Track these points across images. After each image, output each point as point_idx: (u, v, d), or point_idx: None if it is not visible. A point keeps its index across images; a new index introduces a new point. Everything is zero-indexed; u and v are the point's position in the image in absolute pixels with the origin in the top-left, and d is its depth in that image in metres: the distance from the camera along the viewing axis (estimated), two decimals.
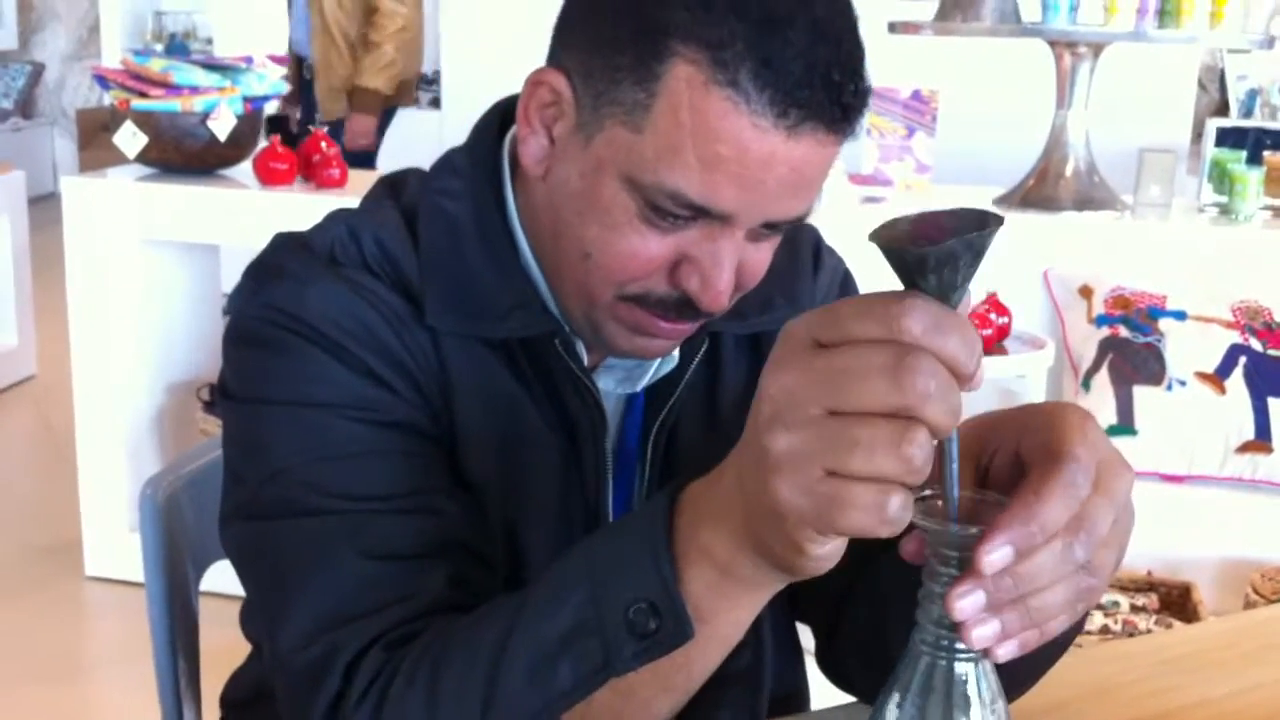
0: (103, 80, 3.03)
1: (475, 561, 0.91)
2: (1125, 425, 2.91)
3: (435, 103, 6.45)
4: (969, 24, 3.24)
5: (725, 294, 0.91)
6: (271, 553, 0.90)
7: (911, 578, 0.68)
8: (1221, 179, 3.27)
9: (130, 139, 2.94)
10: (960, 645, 0.66)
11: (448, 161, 1.03)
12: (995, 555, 0.63)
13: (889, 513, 0.61)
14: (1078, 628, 0.77)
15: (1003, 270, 2.69)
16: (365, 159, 4.53)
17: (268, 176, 3.02)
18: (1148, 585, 2.82)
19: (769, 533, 0.67)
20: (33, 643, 2.97)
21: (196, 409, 3.30)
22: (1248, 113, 5.89)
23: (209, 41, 6.93)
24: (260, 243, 1.02)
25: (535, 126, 0.93)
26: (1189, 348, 2.95)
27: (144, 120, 2.94)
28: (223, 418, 0.98)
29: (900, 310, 0.59)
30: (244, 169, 3.12)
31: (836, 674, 1.08)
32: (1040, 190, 3.20)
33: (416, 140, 5.38)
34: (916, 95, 3.25)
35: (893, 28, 3.37)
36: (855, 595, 1.01)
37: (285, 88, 3.25)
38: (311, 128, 3.28)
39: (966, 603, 0.63)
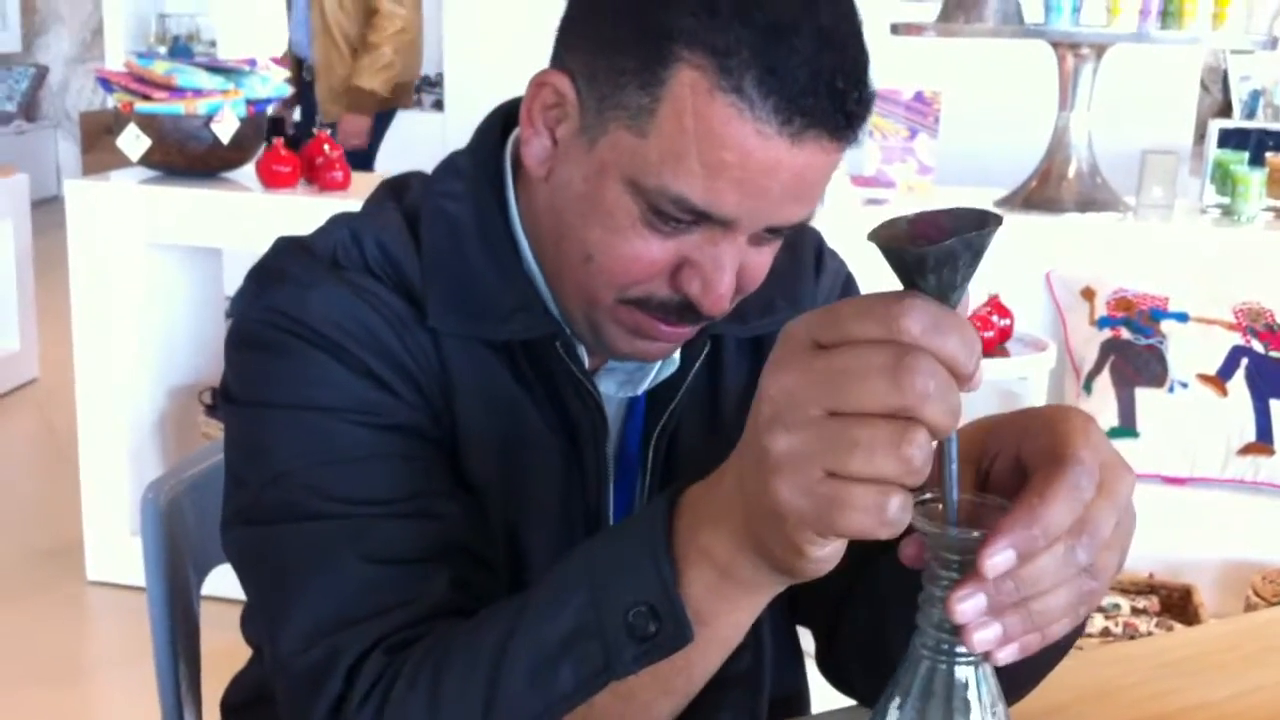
0: (106, 83, 3.04)
1: (476, 564, 0.91)
2: (1127, 427, 2.91)
3: (438, 105, 6.46)
4: (971, 25, 3.24)
5: (726, 298, 0.91)
6: (273, 556, 0.91)
7: (911, 580, 0.68)
8: (1224, 180, 3.27)
9: (134, 142, 2.94)
10: (960, 649, 0.66)
11: (450, 164, 1.03)
12: (997, 558, 0.63)
13: (889, 514, 0.61)
14: (1078, 630, 0.77)
15: (1005, 272, 2.70)
16: (358, 159, 4.53)
17: (271, 179, 3.02)
18: (1149, 587, 2.82)
19: (769, 534, 0.67)
20: (34, 646, 2.98)
21: (198, 412, 3.30)
22: (1250, 114, 5.88)
23: (212, 44, 6.93)
24: (263, 246, 1.02)
25: (539, 128, 0.93)
26: (1191, 349, 2.94)
27: (147, 123, 2.94)
28: (225, 421, 0.98)
29: (899, 310, 0.59)
30: (247, 172, 3.12)
31: (837, 677, 1.08)
32: (1042, 192, 3.20)
33: (419, 142, 5.39)
34: (919, 97, 3.25)
35: (895, 29, 3.37)
36: (855, 598, 1.01)
37: (289, 90, 3.25)
38: (315, 130, 3.28)
39: (968, 606, 0.63)
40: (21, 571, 3.32)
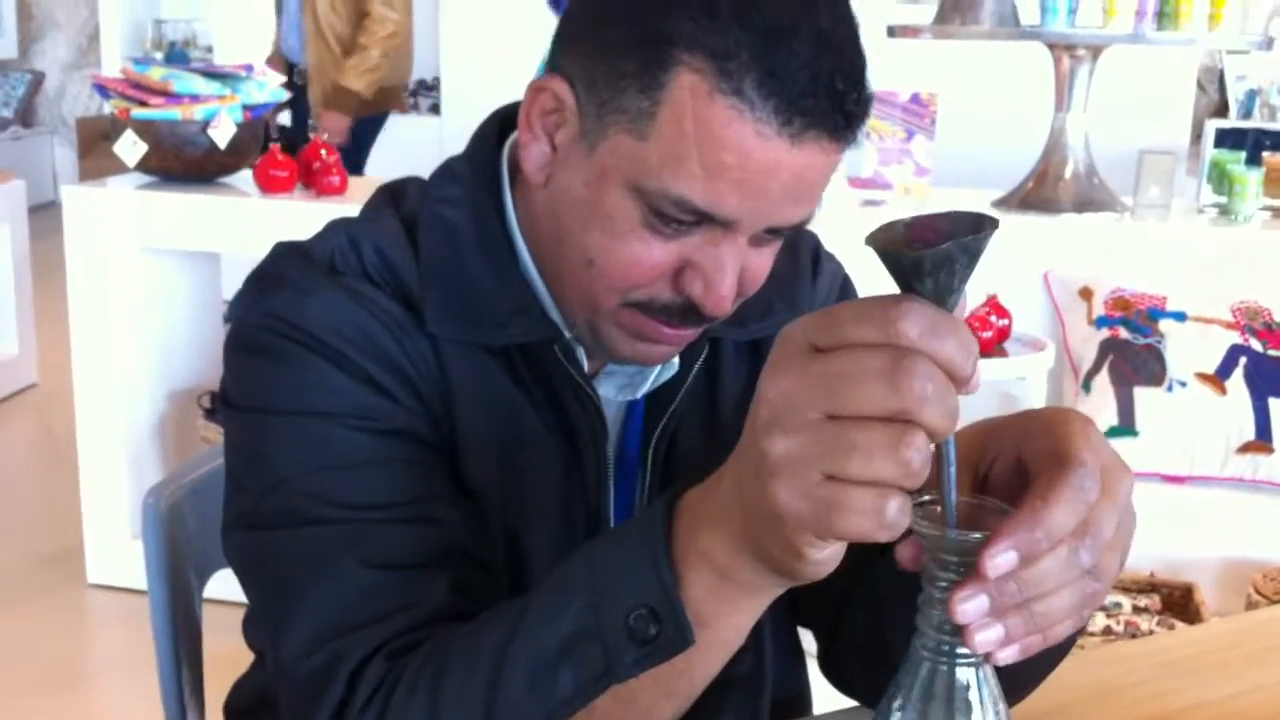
0: (103, 89, 3.04)
1: (477, 569, 0.92)
2: (1126, 426, 2.91)
3: (435, 109, 6.46)
4: (968, 27, 3.24)
5: (729, 299, 0.91)
6: (273, 562, 0.91)
7: (911, 582, 0.68)
8: (1221, 180, 3.27)
9: (130, 147, 2.94)
10: (961, 650, 0.66)
11: (447, 169, 1.03)
12: (999, 559, 0.63)
13: (887, 517, 0.61)
14: (1079, 630, 0.77)
15: (1003, 272, 2.70)
16: (344, 161, 4.53)
17: (268, 184, 3.03)
18: (1150, 586, 2.82)
19: (768, 537, 0.67)
20: (35, 650, 2.98)
21: (198, 416, 3.30)
22: (1247, 113, 5.89)
23: (209, 49, 6.94)
24: (261, 250, 1.02)
25: (537, 133, 0.93)
26: (1189, 349, 2.95)
27: (144, 129, 2.94)
28: (224, 426, 0.98)
29: (897, 314, 0.60)
30: (244, 177, 3.12)
31: (839, 678, 1.08)
32: (1040, 192, 3.20)
33: (415, 146, 5.39)
34: (915, 98, 3.25)
35: (892, 31, 3.38)
36: (855, 600, 1.01)
37: (285, 95, 3.25)
38: (310, 134, 3.28)
39: (969, 606, 0.64)
40: (22, 575, 3.32)
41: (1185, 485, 2.95)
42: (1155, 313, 2.99)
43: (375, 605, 0.86)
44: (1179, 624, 2.70)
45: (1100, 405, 2.93)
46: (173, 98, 2.93)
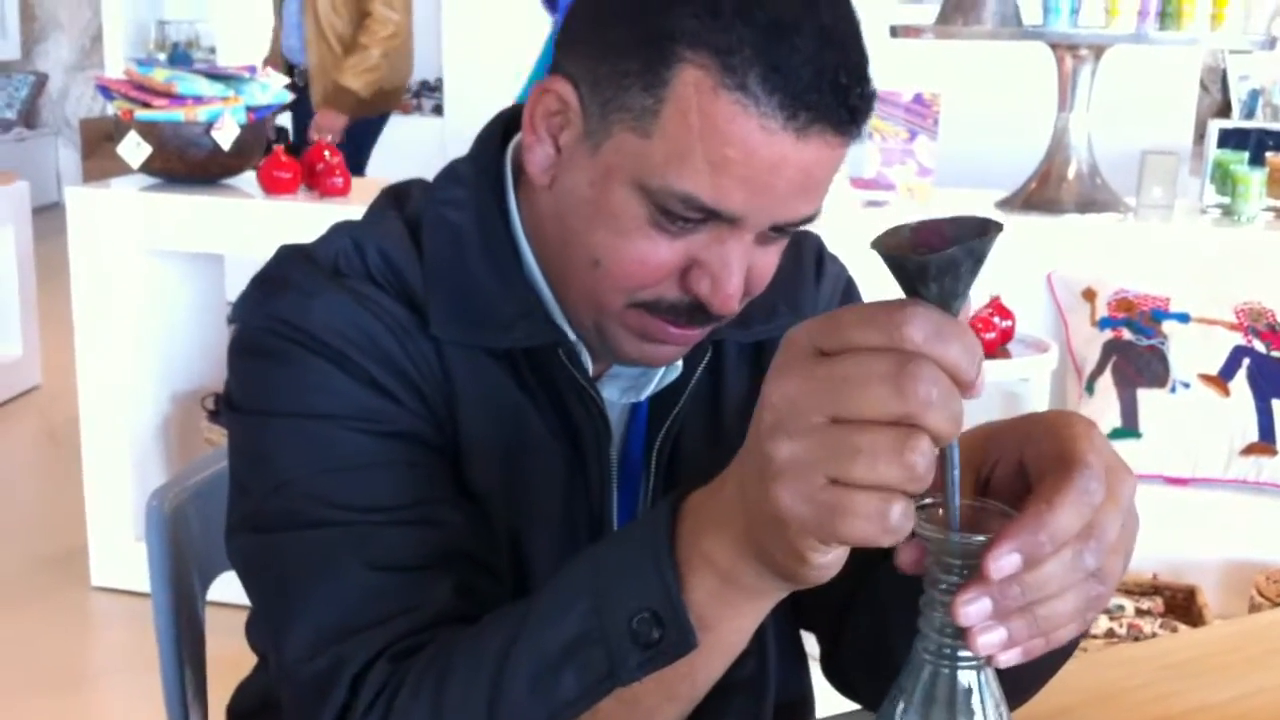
0: (106, 91, 3.04)
1: (480, 571, 0.92)
2: (1129, 428, 2.91)
3: (438, 109, 6.47)
4: (970, 27, 3.24)
5: (736, 297, 0.91)
6: (277, 564, 0.91)
7: (913, 585, 0.68)
8: (1224, 180, 3.27)
9: (134, 149, 2.94)
10: (963, 653, 0.66)
11: (451, 171, 1.03)
12: (1002, 561, 0.63)
13: (891, 521, 0.61)
14: (1082, 633, 0.77)
15: (1006, 274, 2.70)
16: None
17: (271, 186, 3.03)
18: (1153, 588, 2.82)
19: (771, 541, 0.67)
20: (38, 652, 2.98)
21: (201, 418, 3.30)
22: (1250, 113, 5.89)
23: (212, 51, 6.95)
24: (264, 252, 1.02)
25: (541, 135, 0.93)
26: (1192, 350, 2.95)
27: (148, 130, 2.94)
28: (228, 429, 0.98)
29: (902, 318, 0.60)
30: (248, 178, 3.13)
31: (841, 681, 1.08)
32: (1043, 193, 3.20)
33: (418, 146, 5.40)
34: (918, 99, 3.25)
35: (894, 31, 3.38)
36: (857, 603, 1.01)
37: (289, 97, 3.25)
38: (315, 136, 3.28)
39: (972, 609, 0.64)
40: (25, 578, 3.32)
41: (1188, 487, 2.94)
42: (1158, 314, 2.99)
43: (378, 608, 0.86)
44: (1182, 626, 2.70)
45: (1103, 407, 2.93)
46: (176, 99, 2.94)
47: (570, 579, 0.78)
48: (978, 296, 2.88)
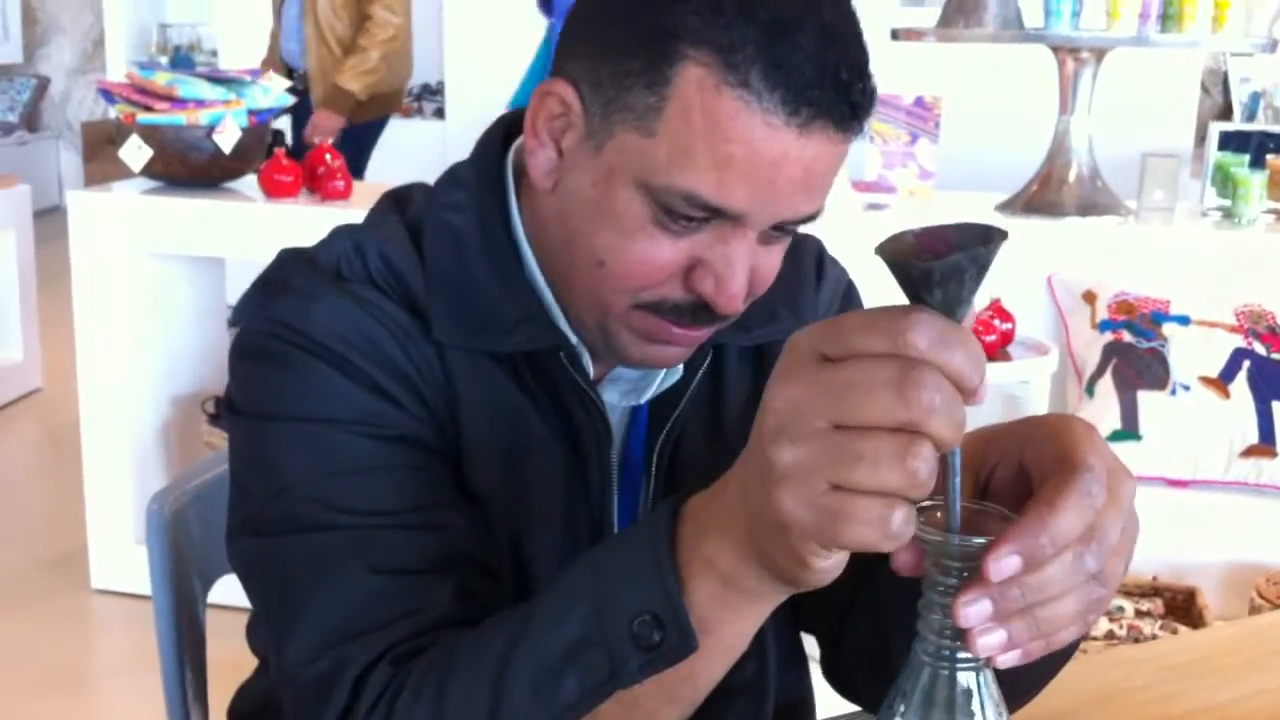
0: (108, 94, 3.04)
1: (482, 575, 0.92)
2: (1129, 430, 2.91)
3: (439, 113, 6.48)
4: (971, 30, 3.24)
5: (740, 296, 0.91)
6: (278, 568, 0.91)
7: (913, 587, 0.68)
8: (1225, 183, 3.27)
9: (136, 152, 2.95)
10: (962, 655, 0.66)
11: (452, 175, 1.03)
12: (1002, 562, 0.63)
13: (892, 527, 0.61)
14: (1082, 635, 0.77)
15: (1006, 276, 2.70)
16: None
17: (273, 189, 3.03)
18: (1153, 590, 2.82)
19: (772, 545, 0.67)
20: (39, 655, 2.98)
21: (201, 421, 3.30)
22: (1251, 116, 5.88)
23: (214, 54, 6.95)
24: (265, 255, 1.03)
25: (543, 139, 0.94)
26: (1193, 352, 2.95)
27: (149, 133, 2.95)
28: (229, 432, 0.98)
29: (906, 324, 0.60)
30: (249, 182, 3.13)
31: (842, 683, 1.08)
32: (1043, 195, 3.20)
33: (420, 150, 5.41)
34: (919, 102, 3.26)
35: (896, 34, 3.38)
36: (857, 605, 1.01)
37: (290, 100, 3.25)
38: (317, 140, 3.28)
39: (972, 610, 0.64)
40: (26, 580, 3.32)
41: (1188, 489, 2.95)
42: (1159, 316, 2.99)
43: (380, 611, 0.86)
44: (1182, 628, 2.70)
45: (1104, 409, 2.93)
46: (178, 103, 2.94)
47: (571, 582, 0.78)
48: (978, 299, 2.89)
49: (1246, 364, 2.93)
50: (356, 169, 4.58)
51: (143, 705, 2.45)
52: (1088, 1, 3.11)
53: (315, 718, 0.85)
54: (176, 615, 1.22)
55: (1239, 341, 2.95)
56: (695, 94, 0.84)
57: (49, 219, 6.53)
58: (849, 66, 0.85)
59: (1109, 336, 2.99)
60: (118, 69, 7.14)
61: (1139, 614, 2.74)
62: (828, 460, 0.61)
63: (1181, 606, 2.79)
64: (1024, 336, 2.89)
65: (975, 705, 0.67)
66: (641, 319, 0.94)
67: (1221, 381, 2.93)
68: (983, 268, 0.60)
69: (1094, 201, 3.18)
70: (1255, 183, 3.16)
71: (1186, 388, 2.93)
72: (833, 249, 1.16)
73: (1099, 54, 3.15)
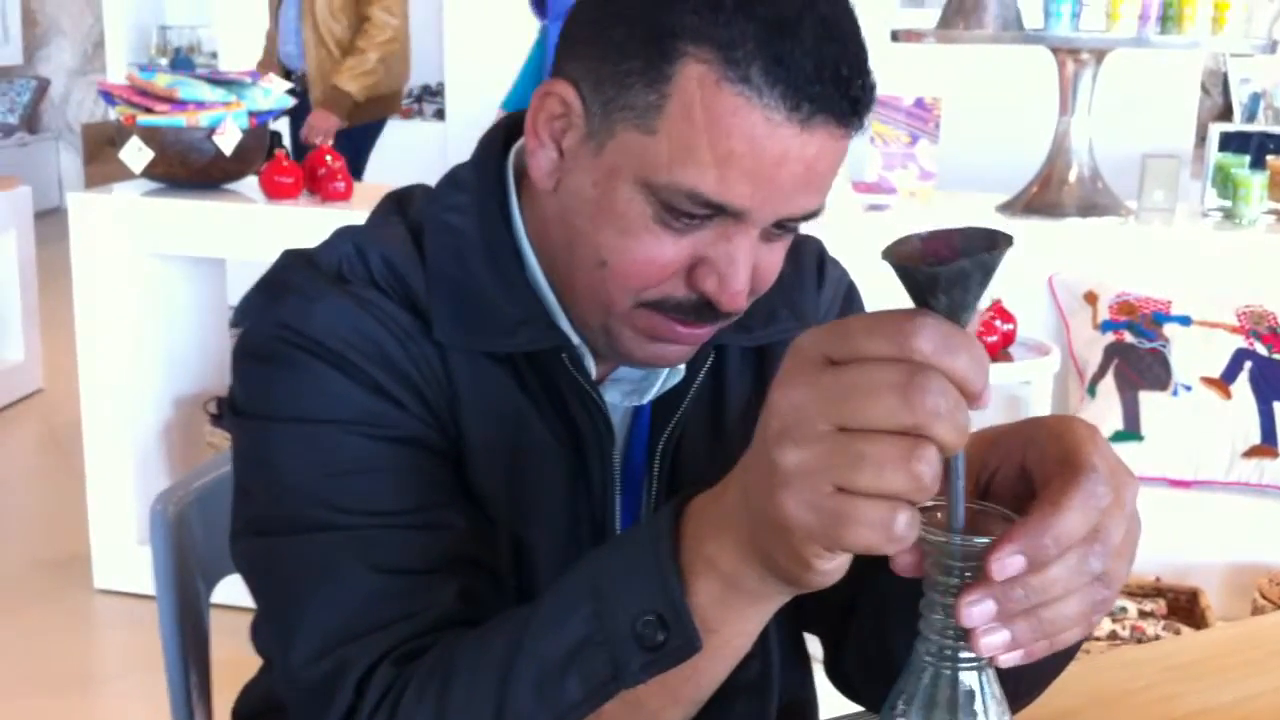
0: (108, 96, 3.05)
1: (484, 576, 0.92)
2: (1131, 431, 2.91)
3: (439, 114, 6.48)
4: (971, 31, 3.25)
5: (743, 294, 0.91)
6: (281, 568, 0.91)
7: (914, 588, 0.69)
8: (1225, 183, 3.27)
9: (136, 154, 2.95)
10: (963, 654, 0.66)
11: (453, 177, 1.04)
12: (1005, 561, 0.63)
13: (896, 530, 0.61)
14: (1085, 636, 0.78)
15: (1007, 277, 2.68)
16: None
17: (273, 190, 3.03)
18: (1155, 591, 2.82)
19: (775, 546, 0.67)
20: (42, 656, 2.98)
21: (204, 422, 3.30)
22: (1251, 117, 5.88)
23: (213, 56, 6.95)
24: (266, 256, 1.03)
25: (544, 140, 0.94)
26: (1194, 353, 2.95)
27: (150, 135, 2.95)
28: (232, 433, 0.98)
29: (911, 329, 0.60)
30: (250, 183, 3.13)
31: (845, 684, 1.08)
32: (1044, 196, 3.20)
33: (420, 151, 5.41)
34: (920, 103, 3.26)
35: (896, 36, 3.38)
36: (859, 606, 1.02)
37: (291, 102, 3.26)
38: (316, 140, 3.28)
39: (976, 610, 0.64)
40: (29, 581, 3.33)
41: (1190, 490, 2.95)
42: (1160, 317, 2.99)
43: (382, 611, 0.87)
44: (1185, 629, 2.70)
45: (1105, 410, 2.93)
46: (178, 104, 2.94)
47: (573, 583, 0.78)
48: (980, 301, 2.88)
49: (1248, 364, 2.93)
50: (354, 171, 4.58)
51: (146, 705, 2.46)
52: (1088, 3, 3.11)
53: (319, 718, 0.85)
54: (180, 615, 1.22)
55: (1240, 342, 2.95)
56: (696, 91, 0.85)
57: (49, 220, 6.53)
58: (848, 62, 0.85)
59: (1110, 337, 2.99)
60: (118, 71, 7.14)
61: (1142, 615, 2.74)
62: (832, 463, 0.62)
63: (1184, 607, 2.79)
64: (1025, 337, 2.89)
65: (978, 705, 0.67)
66: (644, 318, 0.94)
67: (1223, 382, 2.93)
68: (988, 273, 0.60)
69: (1094, 202, 3.19)
70: (1255, 183, 3.16)
71: (1188, 388, 2.93)
72: (833, 250, 1.16)
73: (1099, 55, 3.15)
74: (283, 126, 4.84)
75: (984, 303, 2.84)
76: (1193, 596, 2.79)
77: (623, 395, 1.03)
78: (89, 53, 8.70)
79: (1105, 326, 3.00)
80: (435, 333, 0.96)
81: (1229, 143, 3.54)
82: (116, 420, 3.11)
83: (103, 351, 3.08)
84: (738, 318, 0.96)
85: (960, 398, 0.60)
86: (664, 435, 1.03)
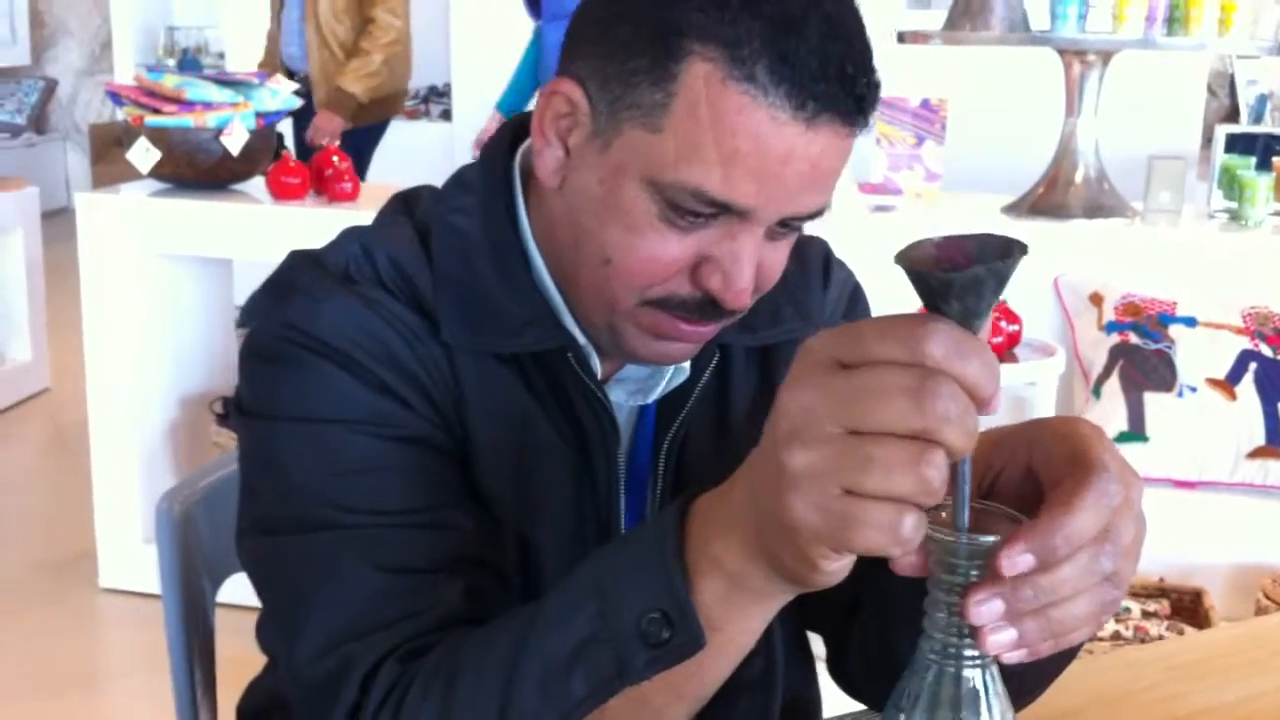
0: (116, 97, 3.05)
1: (489, 575, 0.92)
2: (1136, 432, 2.91)
3: (446, 115, 6.48)
4: (978, 33, 3.25)
5: (747, 292, 0.92)
6: (287, 567, 0.91)
7: (918, 587, 0.69)
8: (1231, 185, 3.27)
9: (143, 155, 2.95)
10: (967, 653, 0.66)
11: (460, 177, 1.04)
12: (1016, 559, 0.63)
13: (903, 532, 0.62)
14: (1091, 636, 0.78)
15: (1013, 278, 2.70)
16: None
17: (280, 191, 3.04)
18: (1159, 591, 2.82)
19: (781, 546, 0.68)
20: (47, 654, 2.99)
21: (209, 422, 3.31)
22: (1258, 118, 5.88)
23: (220, 56, 6.96)
24: (273, 257, 1.03)
25: (550, 139, 0.94)
26: (1199, 354, 2.95)
27: (157, 136, 2.95)
28: (238, 433, 0.99)
29: (923, 334, 0.60)
30: (256, 184, 3.13)
31: (848, 683, 1.08)
32: (1050, 198, 3.20)
33: (427, 152, 5.41)
34: (926, 104, 3.26)
35: (902, 37, 3.38)
36: (863, 605, 1.02)
37: (298, 103, 3.26)
38: (323, 142, 3.28)
39: (984, 609, 0.64)
40: (34, 580, 3.33)
41: (1195, 490, 2.94)
42: (1165, 318, 2.99)
43: (388, 609, 0.87)
44: (1188, 629, 2.70)
45: (1110, 410, 2.93)
46: (186, 105, 2.95)
47: (578, 582, 0.79)
48: None
49: (1253, 365, 2.93)
50: (356, 172, 4.58)
51: (152, 704, 2.46)
52: (1094, 4, 3.11)
53: (324, 716, 0.85)
54: (185, 614, 1.22)
55: (1245, 343, 2.95)
56: (702, 89, 0.85)
57: (57, 220, 6.54)
58: (853, 60, 0.85)
59: (1115, 338, 2.99)
60: (125, 71, 7.15)
61: (1145, 615, 2.74)
62: (840, 465, 0.62)
63: (1188, 607, 2.79)
64: (1030, 338, 2.89)
65: (981, 703, 0.67)
66: (649, 316, 0.94)
67: (1228, 383, 2.93)
68: (1002, 282, 0.60)
69: (1100, 203, 3.18)
70: (1262, 185, 3.16)
71: (1193, 389, 2.93)
72: (839, 250, 1.17)
73: (1105, 56, 3.15)
74: (285, 128, 4.85)
75: None
76: (1196, 597, 2.79)
77: (628, 395, 1.03)
78: (96, 53, 8.72)
79: (1110, 327, 3.00)
80: (442, 333, 0.96)
81: (1235, 144, 3.54)
82: (123, 420, 3.11)
83: (109, 351, 3.09)
84: (742, 316, 0.97)
85: (970, 403, 0.61)
86: (669, 435, 1.03)
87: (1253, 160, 3.37)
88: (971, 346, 0.60)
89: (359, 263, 0.98)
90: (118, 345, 3.08)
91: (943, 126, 3.25)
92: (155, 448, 3.17)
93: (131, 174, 3.10)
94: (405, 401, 0.94)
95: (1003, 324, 2.82)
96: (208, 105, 2.96)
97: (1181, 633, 2.67)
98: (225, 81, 3.09)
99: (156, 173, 3.01)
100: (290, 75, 4.70)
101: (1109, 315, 3.01)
